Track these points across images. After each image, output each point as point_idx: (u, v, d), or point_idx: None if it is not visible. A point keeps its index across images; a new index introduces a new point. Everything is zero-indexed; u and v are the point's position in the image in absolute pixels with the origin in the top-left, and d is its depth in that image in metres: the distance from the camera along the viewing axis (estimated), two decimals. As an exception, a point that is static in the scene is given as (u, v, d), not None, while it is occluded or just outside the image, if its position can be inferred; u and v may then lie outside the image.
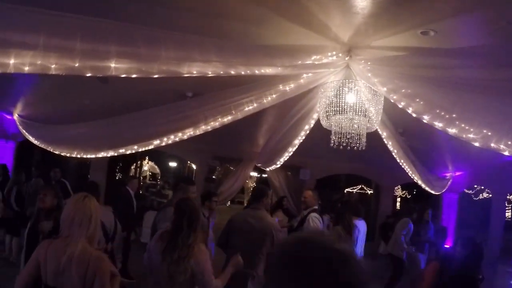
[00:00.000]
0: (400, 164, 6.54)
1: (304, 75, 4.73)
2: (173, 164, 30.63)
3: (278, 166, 9.17)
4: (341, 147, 4.71)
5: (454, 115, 3.62)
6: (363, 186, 19.96)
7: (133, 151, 6.83)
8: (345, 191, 20.48)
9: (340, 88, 4.43)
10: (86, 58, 2.66)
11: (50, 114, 9.75)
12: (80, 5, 4.04)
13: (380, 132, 5.59)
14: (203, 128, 5.79)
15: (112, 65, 2.72)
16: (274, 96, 5.08)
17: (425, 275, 4.25)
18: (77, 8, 3.94)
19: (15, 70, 2.57)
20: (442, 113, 3.65)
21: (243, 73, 3.50)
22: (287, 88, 4.96)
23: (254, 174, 16.82)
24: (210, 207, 6.26)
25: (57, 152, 8.43)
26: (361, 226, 6.28)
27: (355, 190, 21.10)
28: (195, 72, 3.22)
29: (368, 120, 4.52)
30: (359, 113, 4.41)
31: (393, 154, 6.02)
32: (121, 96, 7.80)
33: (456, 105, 3.57)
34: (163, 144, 6.37)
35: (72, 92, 8.12)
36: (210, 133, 10.32)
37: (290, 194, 11.28)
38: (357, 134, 4.54)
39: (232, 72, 3.42)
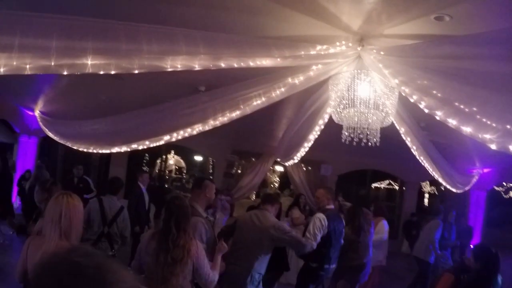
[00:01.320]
0: (420, 160, 6.15)
1: (314, 67, 4.46)
2: (198, 158, 30.70)
3: (296, 161, 8.89)
4: (355, 143, 4.44)
5: (474, 109, 3.29)
6: (390, 181, 19.32)
7: (145, 147, 6.78)
8: (372, 187, 19.97)
9: (352, 80, 4.14)
10: (62, 57, 2.59)
11: (68, 110, 9.88)
12: (83, 5, 3.99)
13: (398, 127, 5.26)
14: (211, 123, 5.61)
15: (89, 62, 2.64)
16: (283, 89, 4.84)
17: (439, 287, 3.94)
18: (79, 9, 3.89)
19: None
20: (461, 107, 3.31)
21: (235, 65, 3.30)
22: (296, 81, 4.70)
23: (280, 168, 16.52)
24: (215, 204, 6.06)
25: (75, 147, 8.52)
26: (386, 226, 6.05)
27: (382, 185, 20.51)
28: (179, 66, 3.06)
29: (382, 114, 4.20)
30: (372, 107, 4.11)
31: (412, 150, 5.66)
32: (136, 91, 7.83)
33: (476, 99, 3.22)
34: (174, 139, 6.25)
35: (90, 88, 8.20)
36: (229, 127, 10.18)
37: (310, 190, 10.98)
38: (370, 129, 4.23)
39: (222, 65, 3.23)
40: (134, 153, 17.31)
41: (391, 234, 12.30)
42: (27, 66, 2.56)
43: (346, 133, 4.37)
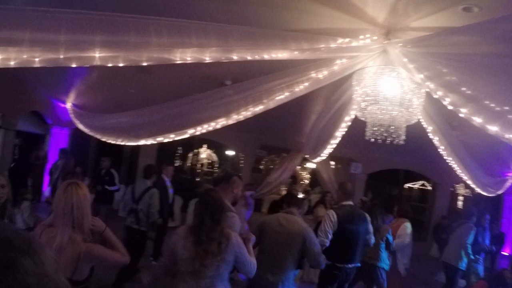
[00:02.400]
0: (448, 162, 5.85)
1: (338, 61, 4.33)
2: (230, 153, 30.82)
3: (324, 158, 8.72)
4: (380, 141, 4.27)
5: (506, 107, 3.07)
6: (424, 182, 18.69)
7: (170, 139, 6.80)
8: (405, 187, 19.42)
9: (377, 75, 3.97)
10: (70, 50, 2.63)
11: (98, 103, 10.08)
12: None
13: (425, 126, 5.03)
14: (235, 118, 5.58)
15: (96, 54, 2.66)
16: (306, 84, 4.74)
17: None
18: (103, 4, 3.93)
19: (2, 65, 2.60)
20: (492, 105, 3.10)
21: (249, 57, 3.22)
22: (320, 76, 4.59)
23: (311, 165, 16.28)
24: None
25: (104, 140, 8.71)
26: (409, 229, 5.81)
27: (416, 186, 19.89)
28: (189, 58, 3.01)
29: (408, 111, 4.01)
30: (398, 104, 3.93)
31: (440, 150, 5.40)
32: (163, 85, 7.90)
33: (508, 96, 3.01)
34: (198, 133, 6.24)
35: (119, 82, 8.35)
36: (259, 122, 10.17)
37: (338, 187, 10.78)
38: (395, 127, 4.05)
39: (234, 57, 3.16)
40: (164, 145, 17.68)
41: (420, 237, 12.01)
42: (36, 59, 2.61)
43: (370, 131, 4.20)
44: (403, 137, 4.11)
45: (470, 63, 3.07)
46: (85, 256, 2.61)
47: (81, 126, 9.64)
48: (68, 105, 10.53)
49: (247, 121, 9.93)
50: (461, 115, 3.05)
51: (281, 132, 10.86)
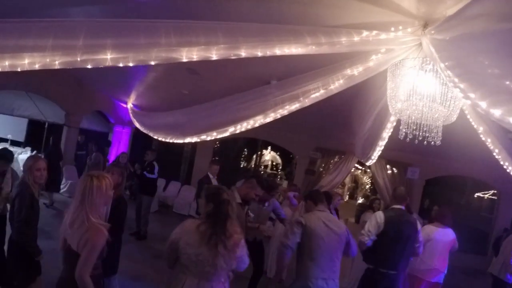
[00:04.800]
0: (505, 167, 5.27)
1: (373, 57, 4.12)
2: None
3: (374, 160, 8.36)
4: (417, 140, 3.97)
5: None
6: (495, 191, 17.20)
7: (213, 138, 6.87)
8: (476, 196, 18.07)
9: (411, 70, 3.70)
10: (86, 53, 2.85)
11: (155, 104, 10.49)
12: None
13: (476, 127, 4.62)
14: (272, 116, 5.49)
15: (108, 56, 2.85)
16: (341, 81, 4.55)
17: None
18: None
19: (28, 68, 2.87)
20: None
21: (259, 54, 3.14)
22: (355, 72, 4.40)
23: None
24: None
25: (155, 137, 9.04)
26: (438, 234, 5.33)
27: (486, 196, 18.40)
28: (195, 56, 3.02)
29: (447, 110, 3.69)
30: (435, 101, 3.63)
31: (494, 154, 4.90)
32: (212, 85, 8.06)
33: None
34: (238, 131, 6.22)
35: (173, 83, 8.64)
36: (314, 123, 10.08)
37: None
38: (431, 126, 3.76)
39: (243, 54, 3.10)
40: (229, 146, 18.01)
41: (481, 250, 11.07)
42: (56, 62, 2.82)
43: (404, 129, 3.92)
44: (440, 137, 3.78)
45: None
46: (84, 240, 2.81)
47: (137, 124, 10.11)
48: (129, 105, 11.06)
49: (303, 122, 9.91)
50: (479, 109, 2.66)
51: (336, 134, 10.58)
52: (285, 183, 19.38)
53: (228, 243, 3.01)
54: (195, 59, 3.02)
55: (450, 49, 2.78)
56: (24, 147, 12.27)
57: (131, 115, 10.66)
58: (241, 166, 21.70)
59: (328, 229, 4.07)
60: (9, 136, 12.36)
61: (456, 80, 2.57)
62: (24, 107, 10.10)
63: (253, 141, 18.40)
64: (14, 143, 12.22)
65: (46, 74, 8.62)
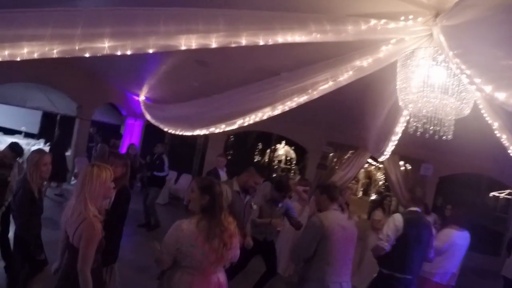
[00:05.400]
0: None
1: (383, 47, 3.98)
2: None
3: (387, 156, 8.20)
4: (427, 135, 3.84)
5: None
6: (511, 191, 16.71)
7: (221, 130, 6.81)
8: (491, 195, 17.63)
9: (422, 60, 3.56)
10: (84, 42, 2.84)
11: (167, 96, 10.48)
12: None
13: (491, 122, 4.45)
14: (280, 108, 5.41)
15: (106, 45, 2.82)
16: (350, 73, 4.43)
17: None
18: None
19: (27, 57, 2.86)
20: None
21: (261, 42, 3.04)
22: (365, 63, 4.27)
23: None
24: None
25: (166, 129, 9.03)
26: (459, 238, 5.16)
27: (502, 195, 17.92)
28: (194, 44, 2.95)
29: (459, 103, 3.54)
30: (444, 92, 3.48)
31: (510, 151, 4.70)
32: (222, 77, 8.00)
33: None
34: (246, 123, 6.16)
35: (183, 76, 8.61)
36: (326, 117, 9.95)
37: (406, 190, 10.09)
38: (443, 120, 3.61)
39: (243, 42, 3.00)
40: (242, 140, 18.00)
41: (495, 251, 10.79)
42: (54, 51, 2.81)
43: (413, 123, 3.79)
44: (452, 131, 3.64)
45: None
46: (79, 235, 2.82)
47: (148, 117, 10.12)
48: (141, 98, 11.08)
49: (316, 116, 9.78)
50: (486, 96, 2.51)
51: (349, 128, 10.41)
52: (298, 178, 19.28)
53: (225, 235, 2.97)
54: (193, 47, 2.94)
55: (459, 36, 2.65)
56: (38, 139, 12.40)
57: (142, 107, 10.69)
58: (255, 160, 21.66)
59: (344, 230, 3.91)
60: (23, 128, 12.51)
61: (463, 67, 2.45)
62: (36, 99, 10.19)
63: (267, 135, 18.34)
64: (28, 135, 12.34)
65: (58, 66, 8.68)
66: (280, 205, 5.76)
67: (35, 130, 13.32)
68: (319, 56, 4.67)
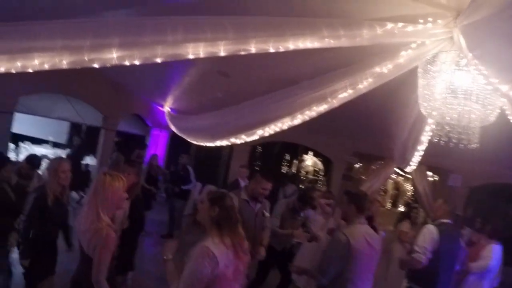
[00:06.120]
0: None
1: (403, 53, 3.84)
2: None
3: (414, 167, 7.94)
4: (451, 143, 3.65)
5: None
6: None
7: (242, 141, 6.79)
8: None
9: (446, 65, 3.40)
10: (93, 53, 2.87)
11: (192, 107, 10.53)
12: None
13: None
14: (300, 118, 5.33)
15: (114, 55, 2.84)
16: (370, 80, 4.30)
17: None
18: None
19: (38, 69, 2.92)
20: None
21: (271, 49, 2.97)
22: (385, 70, 4.13)
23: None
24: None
25: (188, 140, 9.06)
26: (497, 252, 4.89)
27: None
28: (201, 53, 2.92)
29: (485, 109, 3.36)
30: (469, 99, 3.30)
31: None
32: (243, 88, 7.94)
33: None
34: (266, 134, 6.10)
35: (207, 86, 8.65)
36: (351, 127, 9.77)
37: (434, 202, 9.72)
38: (467, 127, 3.43)
39: (253, 50, 2.94)
40: (269, 151, 17.87)
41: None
42: (64, 62, 2.85)
43: (437, 131, 3.62)
44: (477, 139, 3.45)
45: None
46: (93, 245, 2.81)
47: (172, 128, 10.19)
48: (166, 108, 11.16)
49: (340, 126, 9.61)
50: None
51: (375, 138, 10.17)
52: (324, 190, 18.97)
53: (244, 247, 2.83)
54: (201, 56, 2.90)
55: (477, 35, 2.52)
56: (65, 149, 12.65)
57: (167, 118, 10.77)
58: (282, 171, 21.48)
59: (370, 247, 3.63)
60: (50, 138, 12.80)
61: (481, 67, 2.31)
62: (63, 110, 10.41)
63: (294, 146, 18.19)
64: (56, 144, 12.62)
65: (84, 78, 8.85)
66: (302, 214, 5.77)
67: (62, 139, 13.58)
68: (339, 63, 4.58)
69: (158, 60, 2.84)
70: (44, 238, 3.92)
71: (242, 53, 2.93)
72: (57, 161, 4.17)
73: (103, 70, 8.73)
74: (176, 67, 7.38)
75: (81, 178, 9.70)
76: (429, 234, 4.21)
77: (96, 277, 2.75)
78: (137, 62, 2.84)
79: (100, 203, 2.89)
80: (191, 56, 2.86)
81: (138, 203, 4.06)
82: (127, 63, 2.84)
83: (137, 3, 4.72)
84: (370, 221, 6.56)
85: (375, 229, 6.15)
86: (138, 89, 11.07)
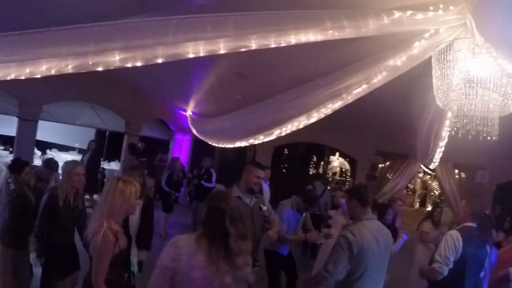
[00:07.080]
0: None
1: (416, 43, 3.73)
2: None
3: (436, 163, 7.73)
4: (470, 136, 3.50)
5: None
6: None
7: (260, 141, 6.78)
8: None
9: (461, 54, 3.26)
10: (97, 56, 2.93)
11: (213, 110, 10.58)
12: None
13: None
14: (316, 116, 5.28)
15: (116, 58, 2.89)
16: (384, 73, 4.19)
17: None
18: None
19: (45, 74, 3.01)
20: None
21: (272, 44, 2.91)
22: (398, 62, 4.02)
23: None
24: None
25: (209, 142, 9.10)
26: None
27: None
28: (202, 51, 2.91)
29: (502, 98, 3.21)
30: (487, 88, 3.16)
31: None
32: (261, 89, 7.91)
33: None
34: (284, 133, 6.08)
35: (226, 89, 8.66)
36: (374, 126, 9.59)
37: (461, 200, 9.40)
38: (485, 118, 3.28)
39: (253, 46, 2.88)
40: (295, 152, 17.75)
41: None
42: (69, 66, 2.94)
43: (454, 122, 3.47)
44: (497, 130, 3.29)
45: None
46: (92, 247, 2.81)
47: (194, 131, 10.27)
48: (188, 113, 11.25)
49: (363, 125, 9.46)
50: None
51: (398, 136, 9.95)
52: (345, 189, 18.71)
53: (237, 261, 2.41)
54: (202, 54, 2.88)
55: (487, 16, 2.40)
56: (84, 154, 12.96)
57: (189, 122, 10.85)
58: (309, 172, 21.30)
59: (379, 245, 3.32)
60: (76, 145, 13.10)
61: (492, 50, 2.21)
62: (86, 117, 10.63)
63: (320, 147, 18.00)
64: (82, 151, 12.89)
65: (106, 84, 9.01)
66: (304, 214, 5.70)
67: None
68: (353, 58, 4.49)
69: (159, 61, 2.85)
70: (56, 237, 3.99)
71: (243, 49, 2.89)
72: (71, 164, 4.23)
73: (123, 76, 8.94)
74: (195, 70, 7.43)
75: (95, 182, 9.87)
76: (452, 242, 3.88)
77: (94, 279, 2.77)
78: (139, 64, 2.86)
79: (109, 208, 2.89)
80: (191, 55, 2.85)
81: (147, 205, 4.07)
82: (129, 65, 2.86)
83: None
84: (392, 222, 6.43)
85: (395, 230, 6.00)
86: (159, 94, 11.20)
